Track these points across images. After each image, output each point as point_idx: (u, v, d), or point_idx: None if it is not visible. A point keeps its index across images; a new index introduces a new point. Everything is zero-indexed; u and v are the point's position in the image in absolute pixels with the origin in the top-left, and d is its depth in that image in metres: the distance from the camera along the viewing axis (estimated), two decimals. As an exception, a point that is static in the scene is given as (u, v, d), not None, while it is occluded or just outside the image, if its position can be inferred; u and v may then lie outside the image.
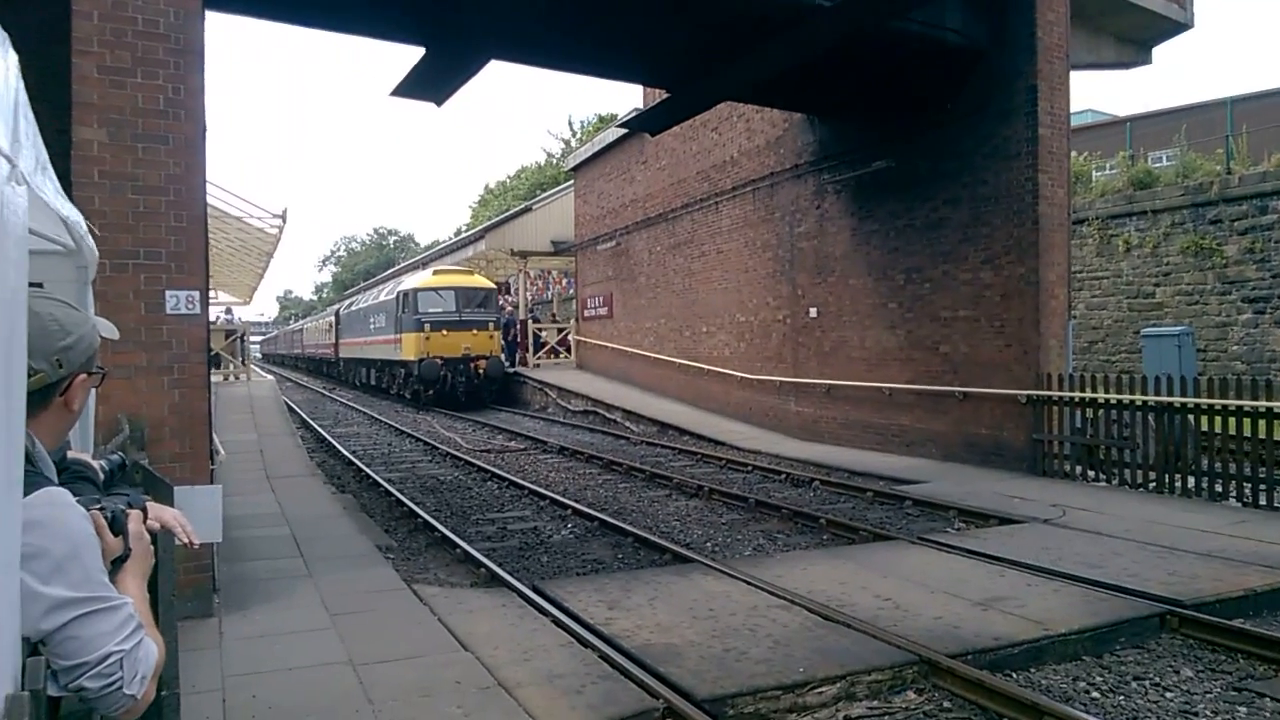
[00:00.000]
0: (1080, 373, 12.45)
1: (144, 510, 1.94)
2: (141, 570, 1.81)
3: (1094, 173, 24.06)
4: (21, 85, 1.48)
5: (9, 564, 1.33)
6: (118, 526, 1.74)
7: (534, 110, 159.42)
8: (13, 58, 1.39)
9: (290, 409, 22.69)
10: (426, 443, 17.84)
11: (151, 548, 1.90)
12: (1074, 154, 17.79)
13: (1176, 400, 10.77)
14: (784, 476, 13.05)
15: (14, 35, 1.40)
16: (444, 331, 25.38)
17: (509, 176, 63.05)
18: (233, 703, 4.86)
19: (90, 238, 3.41)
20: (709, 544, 9.25)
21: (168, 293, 6.41)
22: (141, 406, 6.24)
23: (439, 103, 13.05)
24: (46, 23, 6.32)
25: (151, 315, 6.36)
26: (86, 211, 6.01)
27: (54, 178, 2.09)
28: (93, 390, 3.84)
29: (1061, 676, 5.56)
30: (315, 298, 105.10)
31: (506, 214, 37.33)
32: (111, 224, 6.21)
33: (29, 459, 1.59)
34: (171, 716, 3.13)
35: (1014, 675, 5.53)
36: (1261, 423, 10.03)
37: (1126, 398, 11.33)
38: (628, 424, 20.44)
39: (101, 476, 2.35)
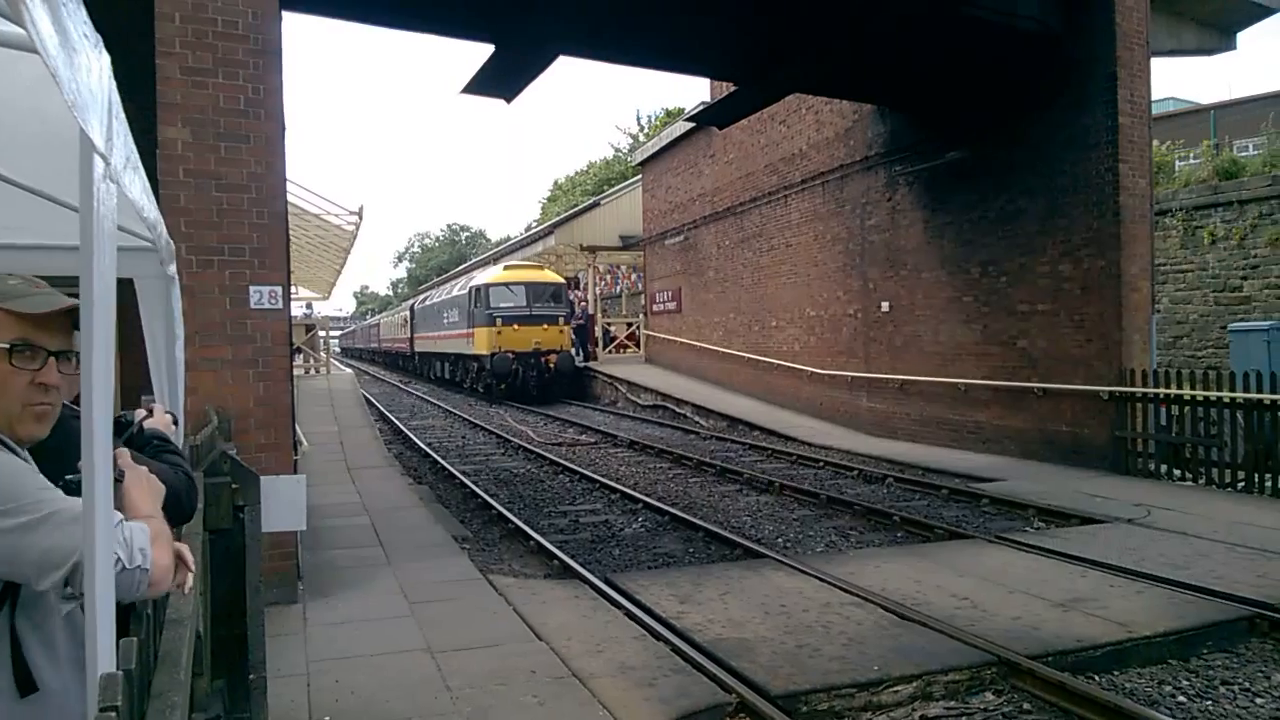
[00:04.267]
0: (1165, 369, 12.06)
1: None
2: (141, 484, 1.84)
3: (1177, 162, 23.21)
4: (114, 86, 1.53)
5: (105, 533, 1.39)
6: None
7: (602, 105, 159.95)
8: (105, 59, 1.42)
9: (368, 402, 23.19)
10: (499, 436, 18.04)
11: (148, 472, 1.91)
12: (1155, 143, 17.20)
13: (1266, 397, 10.38)
14: (856, 473, 12.89)
15: (104, 36, 1.44)
16: (515, 326, 25.61)
17: (577, 171, 63.52)
18: (317, 687, 4.98)
19: (165, 234, 3.50)
20: (780, 540, 9.19)
21: (251, 288, 6.57)
22: (228, 399, 6.41)
23: (509, 99, 13.18)
24: (132, 21, 6.51)
25: (236, 310, 6.53)
26: (172, 209, 6.22)
27: (143, 176, 2.15)
28: (180, 382, 3.95)
29: (1146, 680, 5.39)
30: (390, 293, 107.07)
31: (575, 209, 37.62)
32: (197, 221, 6.40)
33: None
34: (259, 699, 3.22)
35: (1096, 678, 5.38)
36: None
37: (1213, 395, 10.95)
38: (697, 419, 20.41)
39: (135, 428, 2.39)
